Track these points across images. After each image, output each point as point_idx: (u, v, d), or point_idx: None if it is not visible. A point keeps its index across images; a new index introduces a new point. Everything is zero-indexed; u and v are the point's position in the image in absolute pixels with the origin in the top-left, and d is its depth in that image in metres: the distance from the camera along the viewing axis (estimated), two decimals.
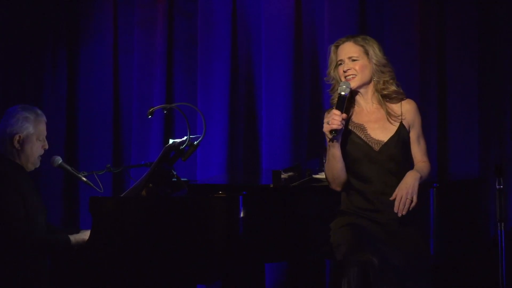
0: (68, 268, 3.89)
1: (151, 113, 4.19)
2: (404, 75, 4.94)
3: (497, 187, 3.81)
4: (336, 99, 3.69)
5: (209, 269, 3.84)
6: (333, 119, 3.58)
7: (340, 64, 3.74)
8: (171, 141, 4.16)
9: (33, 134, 3.97)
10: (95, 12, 5.66)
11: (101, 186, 4.21)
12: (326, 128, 3.60)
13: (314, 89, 5.38)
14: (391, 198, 3.64)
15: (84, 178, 4.20)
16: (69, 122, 5.65)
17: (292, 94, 5.33)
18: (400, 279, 3.55)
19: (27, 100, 5.35)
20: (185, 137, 4.12)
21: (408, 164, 3.76)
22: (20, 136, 3.95)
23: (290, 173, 4.37)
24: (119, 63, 5.66)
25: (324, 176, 4.29)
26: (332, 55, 3.78)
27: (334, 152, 3.65)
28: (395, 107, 3.77)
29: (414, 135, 3.77)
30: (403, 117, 3.75)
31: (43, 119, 4.03)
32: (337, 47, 3.77)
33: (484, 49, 5.14)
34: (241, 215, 3.86)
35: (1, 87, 5.55)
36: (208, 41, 5.45)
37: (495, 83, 5.12)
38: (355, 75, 3.70)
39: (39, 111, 4.03)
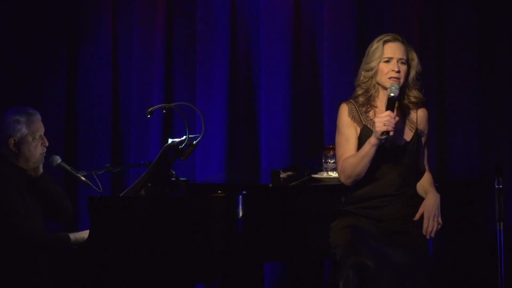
0: (68, 267, 3.89)
1: (151, 113, 4.18)
2: None
3: (497, 186, 3.81)
4: (363, 97, 3.74)
5: (208, 268, 3.84)
6: (389, 121, 3.57)
7: (387, 61, 3.73)
8: (170, 140, 4.16)
9: (27, 134, 3.97)
10: (94, 11, 5.65)
11: (100, 186, 4.21)
12: (381, 128, 3.58)
13: (313, 88, 5.37)
14: (415, 218, 3.68)
15: (83, 178, 4.20)
16: (68, 121, 5.64)
17: (291, 94, 5.33)
18: (400, 278, 3.57)
19: (26, 100, 5.34)
20: (184, 137, 4.12)
21: (413, 167, 3.79)
22: (14, 140, 3.96)
23: (289, 173, 4.37)
24: (118, 62, 5.65)
25: (323, 176, 4.30)
26: (380, 48, 3.75)
27: (373, 151, 3.64)
28: (412, 113, 3.80)
29: (423, 143, 3.83)
30: (418, 124, 3.78)
31: (36, 117, 4.02)
32: (386, 42, 3.76)
33: (483, 48, 5.13)
34: (240, 214, 3.86)
35: (0, 86, 5.54)
36: (207, 40, 5.44)
37: (495, 82, 5.12)
38: (399, 79, 3.71)
39: (31, 110, 4.02)
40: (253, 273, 5.16)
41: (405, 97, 3.80)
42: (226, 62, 5.42)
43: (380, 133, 3.58)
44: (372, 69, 3.75)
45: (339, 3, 5.27)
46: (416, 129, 3.79)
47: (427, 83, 5.11)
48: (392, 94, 3.66)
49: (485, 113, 5.13)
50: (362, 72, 3.79)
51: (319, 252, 4.07)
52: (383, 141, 3.63)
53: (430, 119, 3.86)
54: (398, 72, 3.71)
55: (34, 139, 3.99)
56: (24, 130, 3.97)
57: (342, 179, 3.75)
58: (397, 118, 3.63)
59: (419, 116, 3.81)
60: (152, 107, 4.22)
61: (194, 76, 5.49)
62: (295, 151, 5.30)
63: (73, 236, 3.98)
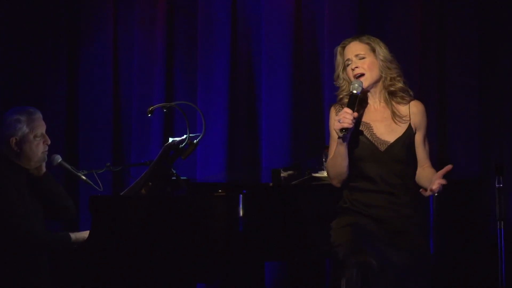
0: (68, 267, 3.89)
1: (151, 112, 4.19)
2: (404, 74, 4.92)
3: (497, 186, 3.82)
4: (347, 98, 3.69)
5: (208, 268, 3.84)
6: (345, 118, 3.56)
7: (348, 64, 3.72)
8: (170, 139, 4.16)
9: (28, 133, 3.97)
10: (95, 11, 5.66)
11: (101, 185, 4.21)
12: (337, 126, 3.57)
13: (314, 88, 5.38)
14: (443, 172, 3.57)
15: (83, 177, 4.20)
16: (69, 121, 5.65)
17: (292, 93, 5.34)
18: (400, 278, 3.56)
19: (27, 99, 5.35)
20: (185, 136, 4.12)
21: (412, 165, 3.76)
22: (15, 139, 3.95)
23: (289, 172, 4.37)
24: (119, 62, 5.67)
25: (324, 175, 4.30)
26: (339, 56, 3.76)
27: (342, 150, 3.63)
28: (403, 108, 3.76)
29: (420, 138, 3.76)
30: (410, 119, 3.75)
31: (37, 116, 4.02)
32: (343, 48, 3.76)
33: (484, 48, 5.14)
34: (241, 214, 3.86)
35: (1, 86, 5.55)
36: (208, 40, 5.45)
37: (495, 81, 5.12)
38: (364, 73, 3.69)
39: (32, 109, 4.03)
40: (254, 272, 5.17)
41: (387, 87, 3.77)
42: (226, 61, 5.42)
43: (338, 130, 3.59)
44: (338, 76, 3.77)
45: (339, 3, 5.27)
46: (409, 124, 3.76)
47: (427, 82, 5.15)
48: (354, 91, 3.64)
49: (485, 113, 5.13)
50: (335, 83, 3.81)
51: (319, 252, 4.07)
52: (347, 139, 3.60)
53: (426, 112, 3.80)
54: (357, 67, 3.69)
55: (35, 138, 3.99)
56: (25, 129, 3.97)
57: (330, 181, 3.76)
58: (355, 114, 3.59)
59: (412, 111, 3.77)
60: (152, 106, 4.23)
61: (195, 75, 5.50)
62: (295, 150, 5.31)
63: (74, 235, 3.98)
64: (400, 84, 3.75)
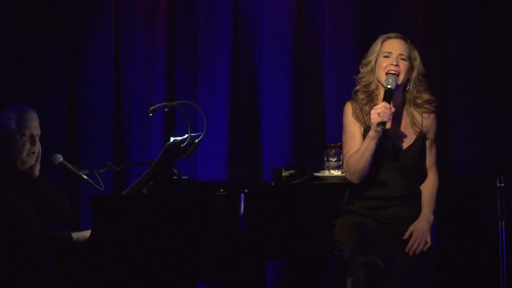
0: (69, 266, 3.89)
1: (152, 111, 4.19)
2: None
3: (498, 185, 3.82)
4: (363, 94, 3.75)
5: (210, 267, 3.84)
6: (384, 112, 3.57)
7: (387, 56, 3.73)
8: (172, 139, 4.16)
9: (15, 131, 3.91)
10: (96, 10, 5.66)
11: (102, 184, 4.21)
12: (376, 119, 3.58)
13: (315, 87, 5.37)
14: (405, 237, 3.68)
15: (85, 176, 4.20)
16: (70, 120, 5.65)
17: (293, 92, 5.33)
18: (405, 278, 3.56)
19: (29, 98, 5.34)
20: (186, 135, 4.12)
21: (420, 171, 3.78)
22: (2, 135, 3.92)
23: (291, 171, 4.38)
24: (120, 61, 5.66)
25: (325, 174, 4.30)
26: (379, 45, 3.77)
27: (373, 144, 3.63)
28: (417, 115, 3.78)
29: (428, 142, 3.81)
30: (423, 125, 3.77)
31: (28, 115, 3.94)
32: (388, 38, 3.77)
33: (486, 48, 5.13)
34: (242, 213, 3.86)
35: (2, 84, 5.55)
36: (209, 38, 5.45)
37: (497, 81, 5.12)
38: (398, 74, 3.70)
39: (25, 108, 3.95)
40: (255, 271, 5.17)
41: (411, 98, 3.78)
42: (228, 60, 5.42)
43: (376, 124, 3.58)
44: (369, 63, 3.77)
45: (341, 2, 5.27)
46: (421, 132, 3.77)
47: (429, 82, 5.14)
48: (389, 86, 3.65)
49: (487, 112, 5.12)
50: (361, 68, 3.81)
51: (321, 250, 4.07)
52: (380, 133, 3.61)
53: (437, 118, 3.84)
54: (397, 65, 3.70)
55: (22, 137, 3.93)
56: (13, 126, 3.92)
57: (348, 177, 3.75)
58: (393, 109, 3.61)
59: (424, 117, 3.80)
60: (154, 105, 4.23)
61: (196, 74, 5.50)
62: (297, 149, 5.30)
63: (75, 235, 3.96)
64: (426, 96, 3.79)
